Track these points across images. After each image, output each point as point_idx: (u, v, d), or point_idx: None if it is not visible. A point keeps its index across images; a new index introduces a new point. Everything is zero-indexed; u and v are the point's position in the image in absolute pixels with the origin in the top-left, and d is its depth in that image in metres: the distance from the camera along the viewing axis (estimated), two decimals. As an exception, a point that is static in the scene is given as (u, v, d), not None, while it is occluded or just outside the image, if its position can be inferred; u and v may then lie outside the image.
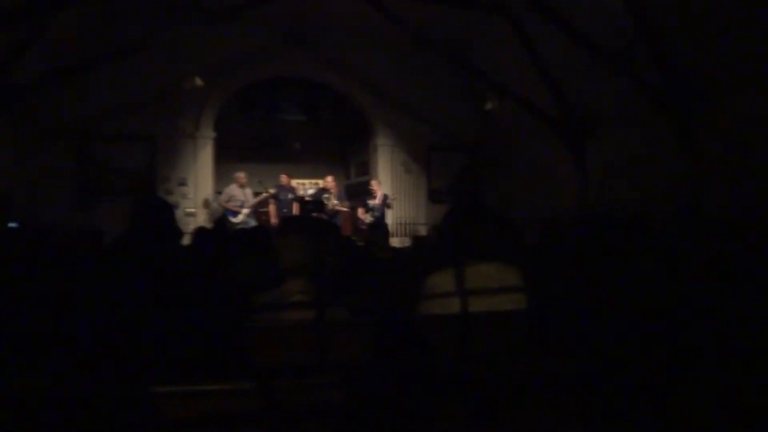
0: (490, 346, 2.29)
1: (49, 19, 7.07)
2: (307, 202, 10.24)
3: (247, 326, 2.24)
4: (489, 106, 10.21)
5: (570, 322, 2.49)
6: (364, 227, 9.38)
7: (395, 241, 10.04)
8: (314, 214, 9.54)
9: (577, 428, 1.77)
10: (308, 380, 1.54)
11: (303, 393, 1.52)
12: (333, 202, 10.09)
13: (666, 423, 1.96)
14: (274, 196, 10.11)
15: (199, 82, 9.23)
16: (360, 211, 10.28)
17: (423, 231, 11.02)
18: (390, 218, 10.67)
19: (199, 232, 4.49)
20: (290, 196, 10.23)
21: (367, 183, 10.83)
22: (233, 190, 9.87)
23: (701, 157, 7.12)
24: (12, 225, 6.87)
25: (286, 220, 5.43)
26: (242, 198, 9.83)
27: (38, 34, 7.16)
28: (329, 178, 10.46)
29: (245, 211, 9.75)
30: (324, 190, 10.49)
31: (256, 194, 10.13)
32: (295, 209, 10.10)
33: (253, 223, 9.66)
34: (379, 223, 7.34)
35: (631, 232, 3.30)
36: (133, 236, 2.39)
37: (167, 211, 2.51)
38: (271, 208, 10.23)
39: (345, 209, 10.50)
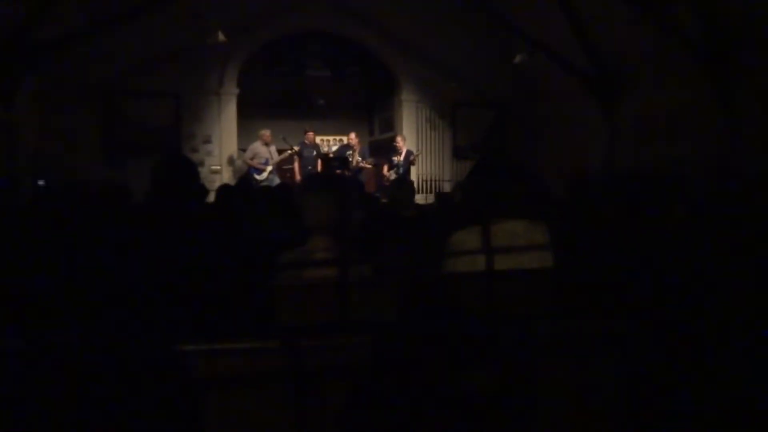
0: (516, 304, 2.26)
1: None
2: (331, 159, 10.20)
3: (271, 284, 2.24)
4: (518, 59, 9.93)
5: (598, 279, 2.45)
6: (388, 184, 9.33)
7: (419, 198, 9.99)
8: (338, 171, 9.52)
9: (603, 387, 1.74)
10: (333, 339, 1.53)
11: (328, 352, 1.52)
12: (357, 159, 10.04)
13: (696, 380, 1.92)
14: (298, 154, 10.07)
15: (222, 37, 9.12)
16: (384, 168, 10.21)
17: (447, 188, 10.94)
18: (414, 175, 10.59)
19: (223, 189, 4.50)
20: (314, 153, 10.18)
21: (392, 139, 10.73)
22: (258, 147, 9.86)
23: (740, 114, 6.85)
24: (40, 183, 6.98)
25: (310, 177, 5.41)
26: (267, 155, 9.82)
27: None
28: (352, 135, 10.39)
29: (269, 168, 9.75)
30: (347, 146, 10.43)
31: (281, 151, 10.11)
32: (319, 166, 10.08)
33: (277, 180, 9.68)
34: (404, 180, 7.27)
35: (662, 190, 3.20)
36: (156, 195, 2.39)
37: (190, 168, 2.49)
38: (296, 166, 10.22)
39: (369, 166, 10.44)
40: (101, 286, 2.10)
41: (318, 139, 10.67)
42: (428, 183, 11.34)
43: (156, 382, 1.57)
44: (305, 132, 10.36)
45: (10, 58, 7.31)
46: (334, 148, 11.44)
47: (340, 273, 2.26)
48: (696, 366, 1.94)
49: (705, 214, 3.22)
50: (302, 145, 10.16)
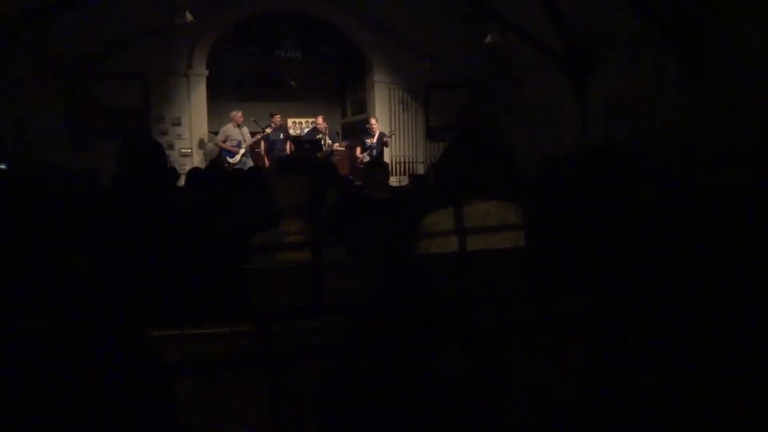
0: (488, 284, 2.28)
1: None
2: (303, 141, 10.13)
3: (244, 267, 2.22)
4: (489, 39, 9.92)
5: (570, 258, 2.48)
6: (361, 166, 9.31)
7: (393, 180, 9.99)
8: (310, 154, 9.48)
9: (575, 366, 1.77)
10: (307, 322, 1.52)
11: (301, 335, 1.51)
12: (327, 142, 10.01)
13: (664, 358, 1.96)
14: (265, 137, 9.99)
15: (190, 17, 8.90)
16: (357, 150, 10.18)
17: (421, 169, 10.95)
18: (387, 157, 10.57)
19: (194, 172, 4.43)
20: (281, 135, 10.10)
21: (365, 121, 10.68)
22: (230, 129, 9.72)
23: (706, 91, 6.97)
24: (2, 166, 6.79)
25: (283, 159, 5.36)
26: (239, 137, 9.70)
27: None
28: (319, 119, 10.37)
29: (242, 150, 9.64)
30: (316, 129, 10.37)
31: (253, 134, 9.99)
32: (288, 149, 10.03)
33: (250, 163, 9.58)
34: (378, 162, 7.25)
35: (632, 167, 3.25)
36: (123, 178, 2.34)
37: (157, 150, 2.43)
38: (262, 149, 10.13)
39: (342, 148, 10.41)
40: (69, 271, 2.06)
41: (290, 122, 10.58)
42: (402, 165, 11.34)
43: (127, 368, 1.55)
44: (271, 115, 10.26)
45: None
46: (306, 131, 11.38)
47: (314, 255, 2.25)
48: (667, 345, 1.98)
49: (673, 191, 3.27)
50: (269, 127, 10.09)
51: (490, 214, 2.38)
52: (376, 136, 9.97)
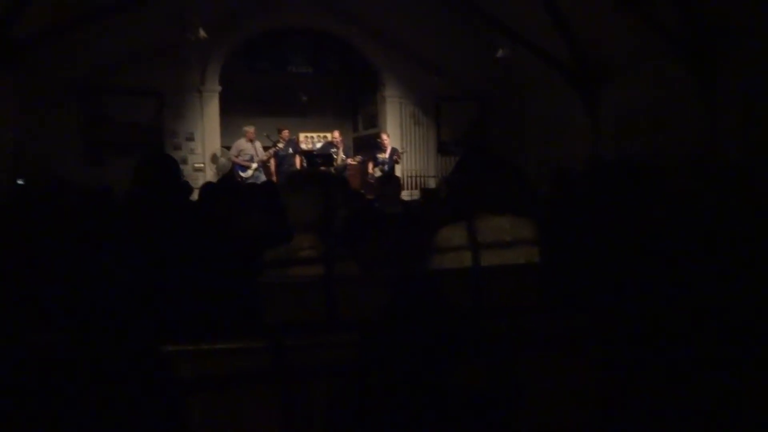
0: (502, 300, 2.27)
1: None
2: (315, 156, 10.18)
3: (257, 282, 2.22)
4: (500, 53, 9.95)
5: (584, 274, 2.46)
6: (373, 181, 9.34)
7: (404, 194, 10.00)
8: (322, 168, 9.52)
9: (589, 382, 1.75)
10: (320, 338, 1.52)
11: (315, 351, 1.51)
12: (341, 156, 10.05)
13: (679, 374, 1.94)
14: (277, 152, 10.04)
15: (202, 33, 9.02)
16: (369, 166, 10.22)
17: (432, 184, 10.96)
18: (399, 171, 10.60)
19: (207, 187, 4.45)
20: (290, 150, 10.15)
21: (376, 136, 10.72)
22: (242, 144, 9.80)
23: (719, 105, 6.93)
24: (20, 182, 6.87)
25: (295, 174, 5.38)
26: (252, 152, 9.77)
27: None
28: (336, 133, 10.42)
29: (255, 165, 9.70)
30: (331, 144, 10.41)
31: (266, 148, 10.07)
32: (298, 163, 10.07)
33: (263, 177, 9.63)
34: (390, 177, 7.27)
35: (645, 181, 3.22)
36: (139, 194, 2.36)
37: (172, 166, 2.46)
38: (271, 163, 10.18)
39: (355, 163, 10.45)
40: (85, 286, 2.07)
41: (302, 137, 10.66)
42: (413, 179, 11.35)
43: (141, 384, 1.56)
44: (279, 131, 10.33)
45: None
46: (318, 146, 11.43)
47: (326, 270, 2.25)
48: (678, 362, 1.96)
49: (684, 209, 3.25)
50: (280, 142, 10.15)
51: (504, 228, 2.37)
52: (388, 151, 10.01)
